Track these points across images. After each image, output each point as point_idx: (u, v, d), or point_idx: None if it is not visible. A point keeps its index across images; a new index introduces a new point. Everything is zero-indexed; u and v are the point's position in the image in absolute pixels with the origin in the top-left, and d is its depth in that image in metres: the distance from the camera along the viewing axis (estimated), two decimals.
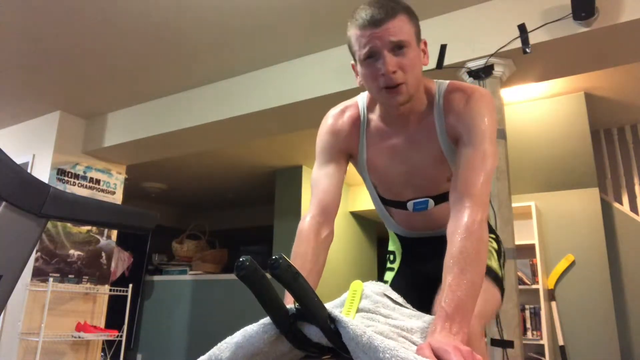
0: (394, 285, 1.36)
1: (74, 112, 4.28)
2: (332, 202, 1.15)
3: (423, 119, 1.15)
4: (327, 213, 1.14)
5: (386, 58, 1.02)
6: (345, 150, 1.22)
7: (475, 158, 1.03)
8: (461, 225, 0.94)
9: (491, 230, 1.34)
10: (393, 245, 1.44)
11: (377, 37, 1.02)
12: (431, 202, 1.22)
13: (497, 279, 1.20)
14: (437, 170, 1.17)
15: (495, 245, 1.31)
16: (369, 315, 0.85)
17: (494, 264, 1.23)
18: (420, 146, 1.16)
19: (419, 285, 1.29)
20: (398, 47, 1.03)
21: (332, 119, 1.24)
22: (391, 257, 1.44)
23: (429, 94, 1.16)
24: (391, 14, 1.03)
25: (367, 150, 1.21)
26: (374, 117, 1.21)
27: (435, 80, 1.19)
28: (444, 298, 0.84)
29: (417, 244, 1.36)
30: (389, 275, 1.42)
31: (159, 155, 4.48)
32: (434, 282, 1.13)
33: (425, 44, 1.13)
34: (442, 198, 1.20)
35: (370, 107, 1.22)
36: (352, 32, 1.07)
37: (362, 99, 1.24)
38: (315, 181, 1.19)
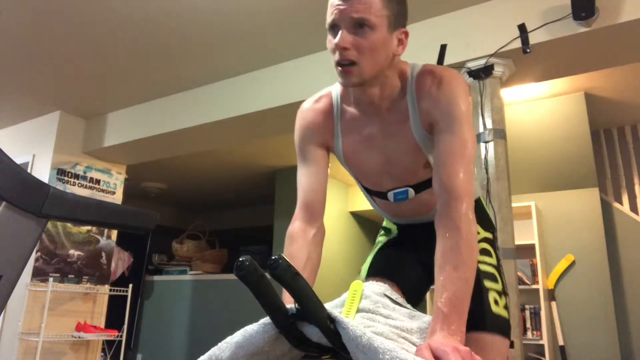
0: (388, 252, 1.35)
1: (74, 112, 4.28)
2: (316, 199, 1.14)
3: (396, 105, 1.12)
4: (314, 211, 1.13)
5: (341, 33, 1.01)
6: (322, 143, 1.19)
7: (455, 145, 1.01)
8: (448, 220, 0.93)
9: (487, 222, 1.29)
10: (388, 225, 1.44)
11: (340, 11, 1.01)
12: (411, 191, 1.20)
13: (504, 329, 1.11)
14: (412, 158, 1.14)
15: (494, 260, 1.22)
16: (369, 316, 0.85)
17: (501, 306, 1.14)
18: (394, 134, 1.13)
19: (410, 264, 1.29)
20: (359, 25, 1.00)
21: (305, 112, 1.21)
22: (386, 231, 1.43)
23: (403, 79, 1.12)
24: None
25: (342, 140, 1.18)
26: (349, 106, 1.18)
27: (410, 63, 1.14)
28: (439, 298, 0.84)
29: (411, 230, 1.35)
30: (382, 239, 1.41)
31: (159, 155, 4.48)
32: (427, 267, 1.12)
33: (405, 34, 1.08)
34: (422, 186, 1.18)
35: (344, 96, 1.19)
36: (328, 3, 1.07)
37: (336, 88, 1.21)
38: (299, 181, 1.17)
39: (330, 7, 1.04)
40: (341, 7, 1.01)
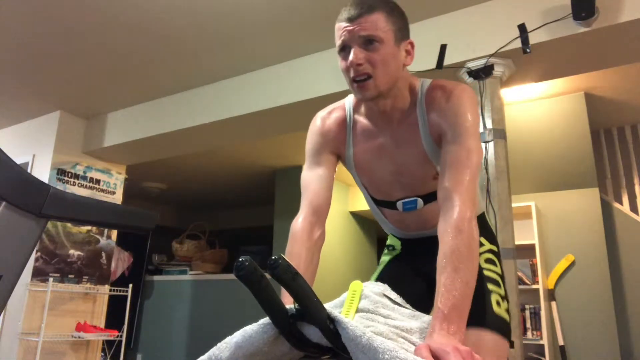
0: (391, 267, 1.37)
1: (74, 112, 4.28)
2: (323, 203, 1.16)
3: (407, 117, 1.16)
4: (319, 214, 1.15)
5: (354, 50, 1.07)
6: (334, 151, 1.24)
7: (461, 155, 1.03)
8: (451, 223, 0.94)
9: (491, 236, 1.30)
10: (392, 241, 1.45)
11: (348, 31, 1.08)
12: (420, 201, 1.22)
13: (504, 330, 1.11)
14: (422, 169, 1.17)
15: (498, 269, 1.22)
16: (369, 316, 0.85)
17: (503, 308, 1.14)
18: (405, 144, 1.17)
19: (414, 276, 1.30)
20: (369, 42, 1.06)
21: (320, 120, 1.26)
22: (390, 248, 1.45)
23: (413, 92, 1.17)
24: (366, 10, 1.07)
25: (353, 150, 1.22)
26: (361, 117, 1.22)
27: (419, 78, 1.21)
28: (439, 299, 0.85)
29: (415, 245, 1.37)
30: (386, 258, 1.42)
31: (159, 155, 4.48)
32: (431, 280, 1.13)
33: (411, 44, 1.14)
34: (431, 197, 1.20)
35: (356, 108, 1.24)
36: (335, 28, 1.13)
37: (349, 100, 1.26)
38: (306, 183, 1.20)
39: (338, 30, 1.10)
40: (349, 28, 1.07)
